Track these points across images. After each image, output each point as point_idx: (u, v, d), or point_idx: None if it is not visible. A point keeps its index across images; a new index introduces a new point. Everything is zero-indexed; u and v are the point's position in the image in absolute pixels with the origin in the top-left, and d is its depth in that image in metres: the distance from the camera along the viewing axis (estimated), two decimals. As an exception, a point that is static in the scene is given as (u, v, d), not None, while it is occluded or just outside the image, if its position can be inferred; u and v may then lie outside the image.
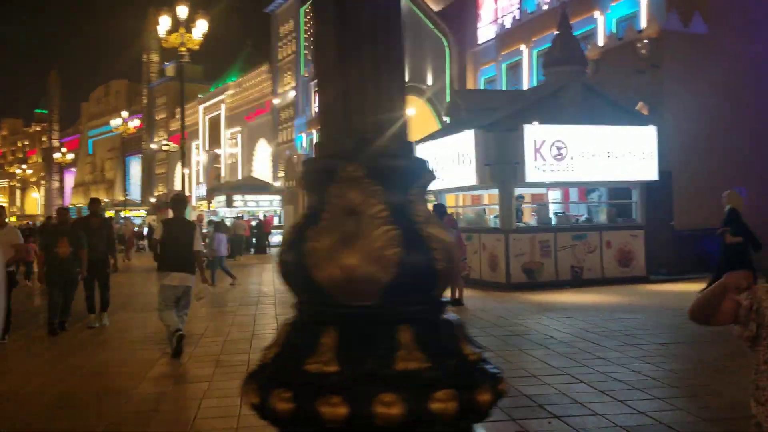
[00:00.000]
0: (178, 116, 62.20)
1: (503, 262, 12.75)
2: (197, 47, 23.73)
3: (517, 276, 12.71)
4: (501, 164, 12.62)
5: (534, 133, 12.52)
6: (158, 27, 23.38)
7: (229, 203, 35.78)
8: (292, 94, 42.68)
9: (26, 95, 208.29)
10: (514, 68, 21.35)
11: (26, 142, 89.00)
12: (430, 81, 27.20)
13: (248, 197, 36.18)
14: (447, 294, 2.18)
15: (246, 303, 12.30)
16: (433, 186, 12.68)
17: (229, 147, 52.66)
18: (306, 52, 40.51)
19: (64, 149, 63.25)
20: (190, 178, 60.19)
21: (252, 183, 37.42)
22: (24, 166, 74.68)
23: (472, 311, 10.51)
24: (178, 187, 62.69)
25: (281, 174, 43.88)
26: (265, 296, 13.29)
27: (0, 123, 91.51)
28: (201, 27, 23.33)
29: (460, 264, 10.88)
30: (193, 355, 7.64)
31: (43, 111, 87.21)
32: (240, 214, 37.82)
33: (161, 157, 66.25)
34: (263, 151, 48.32)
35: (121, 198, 69.17)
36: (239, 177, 50.35)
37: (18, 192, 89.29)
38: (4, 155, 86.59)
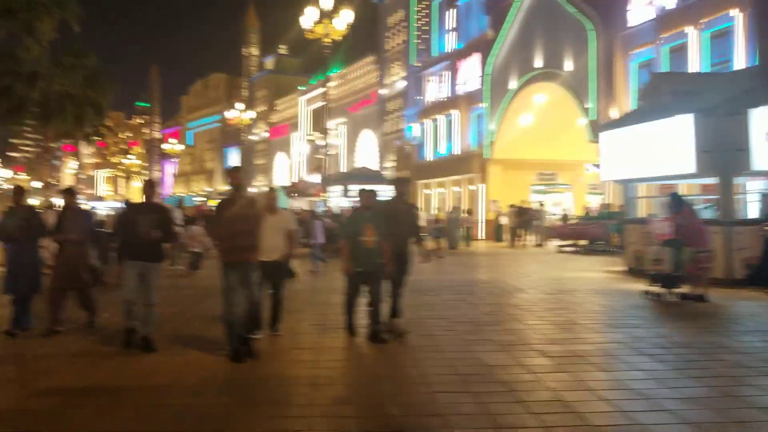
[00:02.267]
0: (277, 108, 63.43)
1: (723, 257, 11.98)
2: (340, 38, 23.84)
3: (739, 271, 11.92)
4: (723, 151, 11.82)
5: (763, 117, 11.65)
6: (302, 18, 23.67)
7: (345, 193, 35.87)
8: (401, 84, 42.42)
9: (127, 89, 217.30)
10: (678, 52, 20.25)
11: (129, 134, 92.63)
12: (567, 66, 26.27)
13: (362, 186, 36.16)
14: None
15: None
16: (627, 175, 11.81)
17: (332, 138, 52.94)
18: (417, 41, 40.12)
19: (173, 140, 65.25)
20: (291, 169, 61.16)
21: (366, 173, 37.41)
22: (131, 157, 77.79)
23: (732, 310, 9.88)
24: (280, 177, 63.84)
25: (387, 164, 43.84)
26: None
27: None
28: (345, 17, 23.40)
29: (706, 257, 10.24)
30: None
31: (145, 104, 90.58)
32: (354, 204, 38.00)
33: (260, 148, 67.47)
34: (368, 141, 48.37)
35: (221, 188, 71.09)
36: (342, 168, 50.68)
37: (121, 181, 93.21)
38: (108, 146, 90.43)
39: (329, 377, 6.36)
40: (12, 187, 9.85)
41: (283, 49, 67.92)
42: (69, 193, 8.95)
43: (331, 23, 22.99)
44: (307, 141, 48.30)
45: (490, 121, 31.73)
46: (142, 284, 7.35)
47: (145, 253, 7.29)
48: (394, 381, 6.24)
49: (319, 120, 55.19)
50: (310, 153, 57.39)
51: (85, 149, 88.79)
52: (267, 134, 65.86)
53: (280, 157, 63.82)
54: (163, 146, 64.42)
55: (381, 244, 7.80)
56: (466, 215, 28.17)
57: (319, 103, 54.66)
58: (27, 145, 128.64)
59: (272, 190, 8.61)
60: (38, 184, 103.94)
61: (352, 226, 7.90)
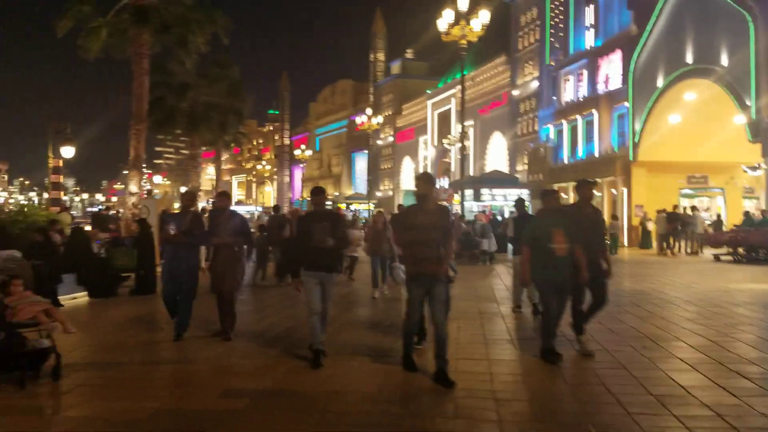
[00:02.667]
0: (404, 112, 63.88)
1: None
2: (476, 39, 23.39)
3: None
4: None
5: None
6: (439, 21, 23.44)
7: (477, 197, 35.31)
8: (534, 84, 41.27)
9: (259, 98, 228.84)
10: None
11: (260, 141, 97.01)
12: (723, 61, 24.30)
13: (495, 191, 35.47)
14: None
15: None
16: None
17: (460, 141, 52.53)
18: (552, 39, 38.85)
19: (303, 146, 67.56)
20: (417, 173, 61.34)
21: (498, 176, 36.67)
22: (264, 162, 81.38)
23: None
24: (406, 181, 64.36)
25: (520, 167, 42.80)
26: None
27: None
28: (482, 18, 22.92)
29: None
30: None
31: (275, 112, 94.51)
32: (483, 208, 37.34)
33: (387, 153, 68.25)
34: (497, 144, 47.51)
35: (349, 192, 72.67)
36: (471, 171, 50.13)
37: (253, 186, 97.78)
38: (242, 152, 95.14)
39: (509, 392, 5.98)
40: (159, 192, 10.14)
41: (409, 54, 68.38)
42: (224, 196, 8.85)
43: (468, 25, 22.57)
44: (445, 143, 47.81)
45: (634, 121, 30.02)
46: (321, 295, 7.03)
47: (323, 262, 6.94)
48: (580, 399, 5.77)
49: (446, 123, 54.98)
50: (437, 157, 57.27)
51: (223, 156, 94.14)
52: (392, 138, 66.53)
53: (406, 162, 64.24)
54: (295, 152, 66.70)
55: (573, 251, 7.04)
56: (613, 221, 26.71)
57: (447, 107, 54.44)
58: (169, 153, 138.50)
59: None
60: (183, 189, 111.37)
61: (537, 231, 7.17)
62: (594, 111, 33.25)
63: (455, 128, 53.26)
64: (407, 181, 65.05)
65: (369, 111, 46.38)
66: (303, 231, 7.03)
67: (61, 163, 19.81)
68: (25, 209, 16.64)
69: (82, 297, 12.34)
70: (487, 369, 6.78)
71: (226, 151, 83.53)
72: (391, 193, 65.64)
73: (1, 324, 6.28)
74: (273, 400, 5.66)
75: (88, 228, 20.73)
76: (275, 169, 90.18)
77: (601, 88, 33.39)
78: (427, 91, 58.22)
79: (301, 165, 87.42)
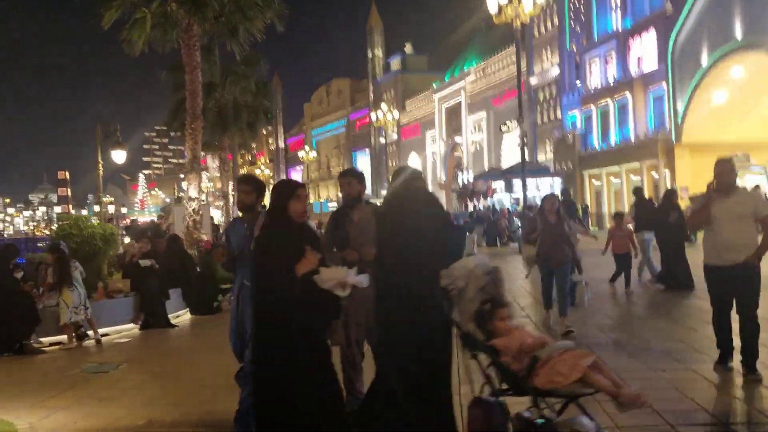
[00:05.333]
0: (408, 108, 62.70)
1: None
2: (527, 21, 22.26)
3: None
4: None
5: None
6: (489, 2, 22.26)
7: (509, 187, 34.16)
8: (554, 71, 40.27)
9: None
10: None
11: (253, 145, 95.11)
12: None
13: (528, 181, 34.26)
14: None
15: None
16: None
17: (472, 134, 51.50)
18: (572, 24, 37.88)
19: (307, 147, 66.15)
20: (425, 169, 60.22)
21: (528, 166, 35.45)
22: (262, 167, 79.63)
23: None
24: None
25: (542, 156, 41.78)
26: None
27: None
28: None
29: None
30: None
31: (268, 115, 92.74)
32: (514, 200, 36.32)
33: (390, 150, 67.01)
34: (514, 134, 46.43)
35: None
36: (485, 164, 49.07)
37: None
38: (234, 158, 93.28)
39: None
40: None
41: (408, 48, 67.08)
42: (353, 176, 7.62)
43: (520, 4, 21.41)
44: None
45: (676, 102, 29.08)
46: None
47: None
48: None
49: (455, 117, 53.88)
50: (447, 151, 56.16)
51: (212, 163, 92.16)
52: (395, 136, 65.29)
53: (412, 158, 63.04)
54: (299, 154, 65.24)
55: None
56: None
57: (456, 100, 53.33)
58: (157, 162, 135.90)
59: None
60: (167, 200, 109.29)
61: None
62: (627, 94, 32.28)
63: (465, 121, 52.21)
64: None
65: (384, 107, 44.99)
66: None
67: (101, 171, 18.27)
68: (79, 222, 15.13)
69: (183, 314, 10.98)
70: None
71: (213, 157, 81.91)
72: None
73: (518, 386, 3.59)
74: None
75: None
76: (271, 174, 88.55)
77: (633, 70, 32.44)
78: (433, 85, 57.01)
79: (299, 167, 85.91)
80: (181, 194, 71.50)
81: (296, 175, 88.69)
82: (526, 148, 42.42)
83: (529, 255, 8.29)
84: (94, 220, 19.10)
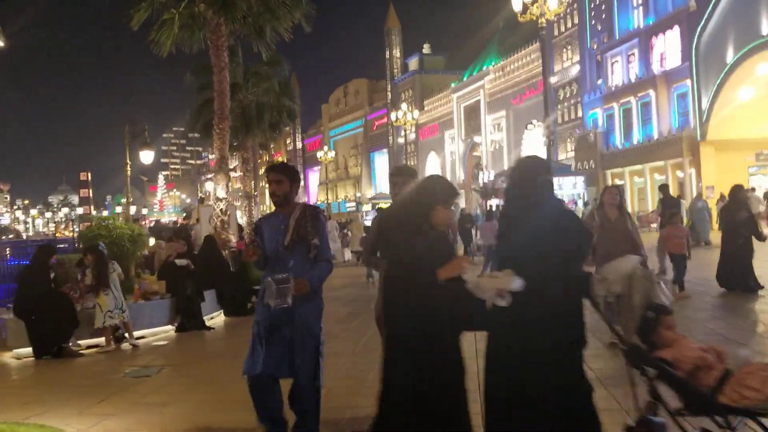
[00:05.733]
0: (426, 108, 62.54)
1: None
2: (557, 15, 22.06)
3: None
4: None
5: None
6: (512, 1, 22.12)
7: (531, 188, 33.87)
8: (574, 69, 39.95)
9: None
10: None
11: (271, 145, 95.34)
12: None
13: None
14: None
15: None
16: None
17: (491, 133, 51.23)
18: (593, 22, 37.54)
19: (326, 147, 66.19)
20: (444, 169, 59.99)
21: (552, 166, 35.21)
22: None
23: None
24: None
25: (562, 155, 41.45)
26: None
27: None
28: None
29: None
30: None
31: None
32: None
33: (408, 150, 66.85)
34: (535, 133, 46.14)
35: (370, 192, 71.31)
36: (505, 163, 48.76)
37: (266, 192, 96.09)
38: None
39: None
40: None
41: (426, 49, 66.94)
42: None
43: (546, 2, 21.20)
44: (460, 139, 46.56)
45: (701, 99, 28.71)
46: None
47: None
48: None
49: (474, 116, 53.63)
50: (465, 151, 55.91)
51: (232, 164, 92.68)
52: (413, 136, 65.15)
53: (431, 158, 62.90)
54: (318, 154, 65.26)
55: None
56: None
57: (475, 98, 53.08)
58: (175, 164, 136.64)
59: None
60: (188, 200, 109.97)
61: None
62: (651, 92, 31.94)
63: (484, 120, 51.95)
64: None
65: (404, 107, 44.88)
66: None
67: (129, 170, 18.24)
68: (107, 222, 15.14)
69: (217, 316, 10.94)
70: None
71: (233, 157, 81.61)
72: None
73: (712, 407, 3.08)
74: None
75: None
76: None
77: (656, 67, 32.08)
78: (452, 85, 56.80)
79: (316, 168, 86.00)
80: (203, 195, 71.67)
81: (314, 175, 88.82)
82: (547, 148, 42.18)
83: None
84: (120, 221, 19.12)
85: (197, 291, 9.92)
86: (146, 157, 18.44)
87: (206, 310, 10.37)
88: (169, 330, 9.78)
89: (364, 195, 71.04)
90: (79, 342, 8.56)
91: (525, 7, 21.99)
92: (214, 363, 7.67)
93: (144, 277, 10.95)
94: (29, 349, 8.19)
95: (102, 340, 8.65)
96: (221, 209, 16.66)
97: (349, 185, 78.73)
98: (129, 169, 17.82)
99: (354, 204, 67.28)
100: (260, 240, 4.36)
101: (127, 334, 8.77)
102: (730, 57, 27.07)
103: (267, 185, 4.44)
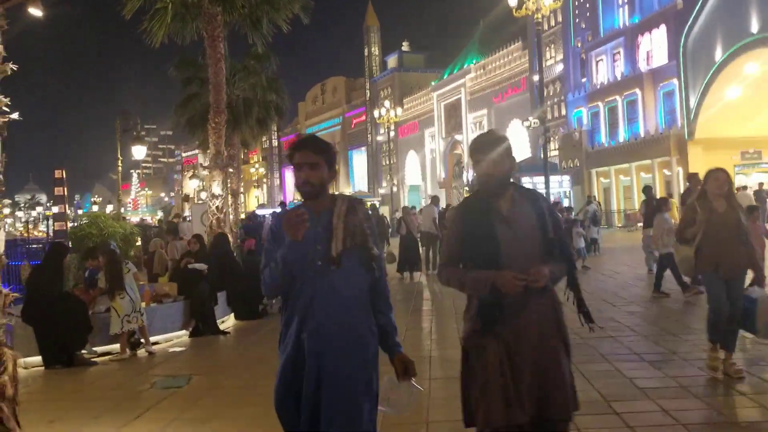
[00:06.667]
0: (405, 106, 62.17)
1: None
2: (549, 12, 21.84)
3: None
4: None
5: None
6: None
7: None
8: (558, 68, 39.93)
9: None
10: None
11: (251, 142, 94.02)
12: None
13: (536, 179, 33.88)
14: None
15: None
16: None
17: (472, 131, 51.05)
18: (577, 20, 37.54)
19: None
20: (423, 167, 59.69)
21: (534, 163, 35.05)
22: (257, 166, 78.72)
23: None
24: (410, 177, 62.68)
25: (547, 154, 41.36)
26: None
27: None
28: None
29: None
30: None
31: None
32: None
33: (386, 149, 66.43)
34: (516, 131, 46.04)
35: (348, 190, 70.69)
36: (486, 162, 48.58)
37: (241, 190, 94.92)
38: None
39: None
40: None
41: (405, 46, 66.60)
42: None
43: (542, -1, 20.98)
44: (441, 138, 46.22)
45: (689, 98, 28.81)
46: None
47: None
48: None
49: (455, 114, 53.40)
50: (446, 149, 55.68)
51: (204, 161, 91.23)
52: (393, 133, 64.74)
53: (410, 156, 62.60)
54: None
55: None
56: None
57: (456, 97, 52.88)
58: (147, 162, 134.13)
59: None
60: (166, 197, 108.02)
61: None
62: (637, 90, 31.99)
63: (466, 119, 51.77)
64: (412, 176, 63.47)
65: (387, 104, 44.46)
66: None
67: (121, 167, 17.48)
68: (99, 220, 14.43)
69: (227, 319, 10.37)
70: None
71: (205, 156, 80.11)
72: (395, 189, 63.83)
73: None
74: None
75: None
76: (265, 172, 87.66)
77: (642, 66, 32.14)
78: (432, 83, 56.54)
79: (291, 166, 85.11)
80: (189, 193, 69.98)
81: (290, 174, 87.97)
82: (530, 146, 42.10)
83: (686, 259, 5.75)
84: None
85: (211, 293, 9.36)
86: (138, 152, 17.71)
87: (217, 314, 9.82)
88: (182, 335, 9.21)
89: (342, 193, 70.39)
90: (94, 349, 7.94)
91: (521, 2, 21.86)
92: (244, 371, 7.13)
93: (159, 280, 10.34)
94: (37, 358, 7.57)
95: (116, 346, 8.06)
96: (217, 206, 16.00)
97: (327, 183, 78.03)
98: (120, 164, 17.06)
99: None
100: (274, 246, 2.89)
101: (143, 340, 8.19)
102: (718, 55, 27.18)
103: (294, 170, 3.05)
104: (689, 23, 28.42)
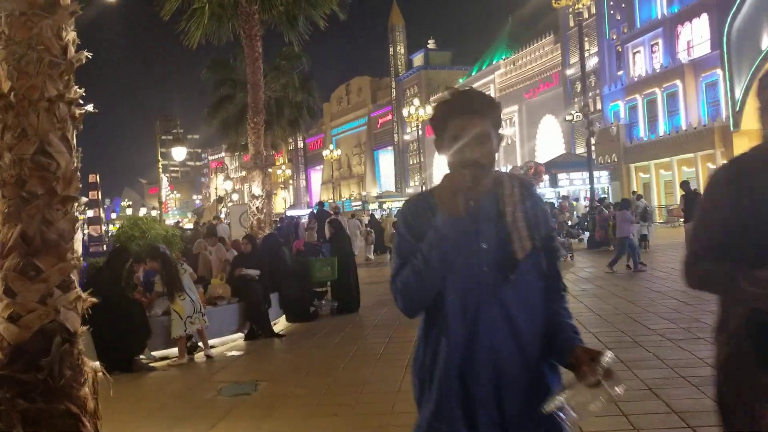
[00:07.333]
0: (431, 103, 61.67)
1: None
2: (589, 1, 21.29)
3: None
4: None
5: None
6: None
7: (554, 182, 33.11)
8: (592, 61, 39.09)
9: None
10: None
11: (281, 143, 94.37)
12: None
13: (573, 175, 33.23)
14: None
15: None
16: None
17: (503, 128, 50.40)
18: (612, 12, 36.73)
19: (331, 146, 65.32)
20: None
21: (572, 159, 34.40)
22: (283, 167, 78.77)
23: None
24: (439, 175, 62.06)
25: (581, 149, 40.60)
26: None
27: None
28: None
29: None
30: None
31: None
32: (563, 195, 35.22)
33: (414, 148, 66.00)
34: (549, 127, 45.30)
35: (375, 191, 70.36)
36: (518, 158, 47.93)
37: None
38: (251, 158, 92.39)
39: None
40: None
41: (431, 44, 66.10)
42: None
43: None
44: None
45: (733, 88, 27.92)
46: None
47: None
48: None
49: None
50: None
51: (231, 163, 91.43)
52: (421, 132, 64.31)
53: (438, 155, 62.05)
54: (323, 153, 64.40)
55: None
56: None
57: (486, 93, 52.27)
58: (174, 165, 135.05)
59: None
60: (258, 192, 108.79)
61: None
62: (677, 82, 31.14)
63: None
64: (440, 174, 62.75)
65: (416, 102, 44.04)
66: None
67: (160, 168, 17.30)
68: (140, 222, 14.19)
69: (279, 322, 10.01)
70: None
71: (233, 157, 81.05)
72: (423, 188, 63.46)
73: None
74: None
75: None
76: (291, 174, 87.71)
77: (683, 56, 31.27)
78: (460, 80, 55.99)
79: (318, 167, 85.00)
80: (220, 194, 70.32)
81: (316, 175, 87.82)
82: (563, 142, 41.33)
83: None
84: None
85: (264, 295, 9.01)
86: (179, 153, 17.54)
87: (270, 316, 9.46)
88: (237, 338, 8.86)
89: (370, 194, 70.10)
90: (153, 354, 7.61)
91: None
92: (309, 377, 6.71)
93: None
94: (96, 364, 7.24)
95: (172, 351, 7.73)
96: (257, 207, 15.75)
97: (353, 184, 77.82)
98: (160, 166, 16.89)
99: (360, 203, 66.22)
100: (410, 238, 2.03)
101: (201, 343, 7.85)
102: (765, 43, 26.29)
103: (445, 141, 2.16)
104: (732, 12, 27.54)
